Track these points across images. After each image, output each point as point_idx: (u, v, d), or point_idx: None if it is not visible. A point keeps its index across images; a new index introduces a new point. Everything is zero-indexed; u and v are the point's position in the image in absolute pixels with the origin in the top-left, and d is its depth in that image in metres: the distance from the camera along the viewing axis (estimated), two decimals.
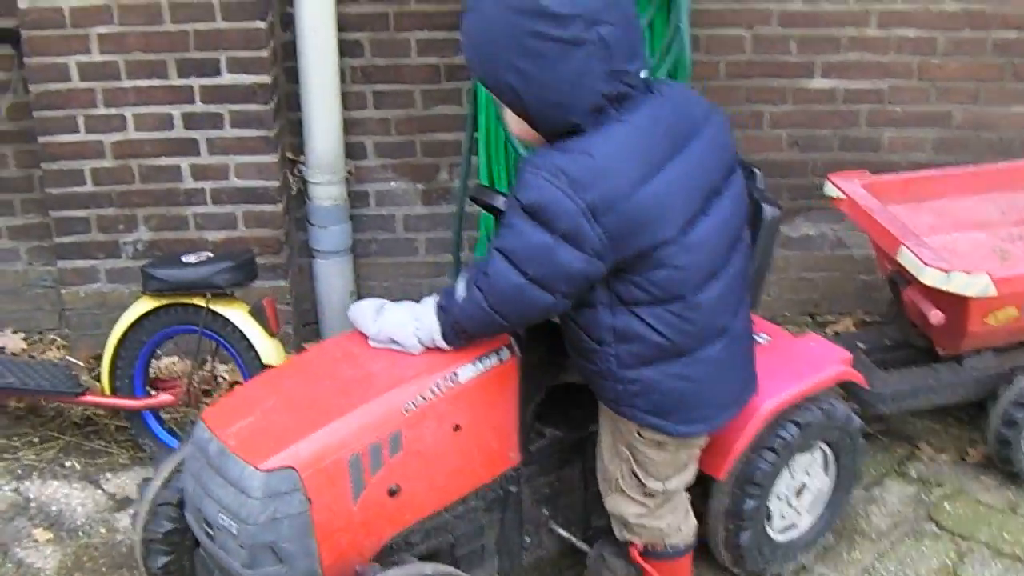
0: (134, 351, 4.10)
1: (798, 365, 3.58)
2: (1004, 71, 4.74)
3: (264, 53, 4.32)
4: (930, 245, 3.97)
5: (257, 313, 4.00)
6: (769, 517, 3.64)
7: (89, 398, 4.17)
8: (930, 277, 3.81)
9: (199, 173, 4.49)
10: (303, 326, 4.90)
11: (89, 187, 4.49)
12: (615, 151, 2.77)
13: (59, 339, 4.94)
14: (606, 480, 3.29)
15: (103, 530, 3.98)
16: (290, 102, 4.58)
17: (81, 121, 4.39)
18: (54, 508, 4.07)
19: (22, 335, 4.97)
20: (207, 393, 4.32)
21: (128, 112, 4.39)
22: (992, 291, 3.81)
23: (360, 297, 4.75)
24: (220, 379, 4.51)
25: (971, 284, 3.80)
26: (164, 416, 4.28)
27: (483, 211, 4.35)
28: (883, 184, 4.33)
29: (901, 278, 4.07)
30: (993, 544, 3.94)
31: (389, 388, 2.99)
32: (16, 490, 4.15)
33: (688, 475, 3.27)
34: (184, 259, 4.01)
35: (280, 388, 3.08)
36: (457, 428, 3.08)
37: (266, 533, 2.85)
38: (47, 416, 4.49)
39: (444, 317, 2.97)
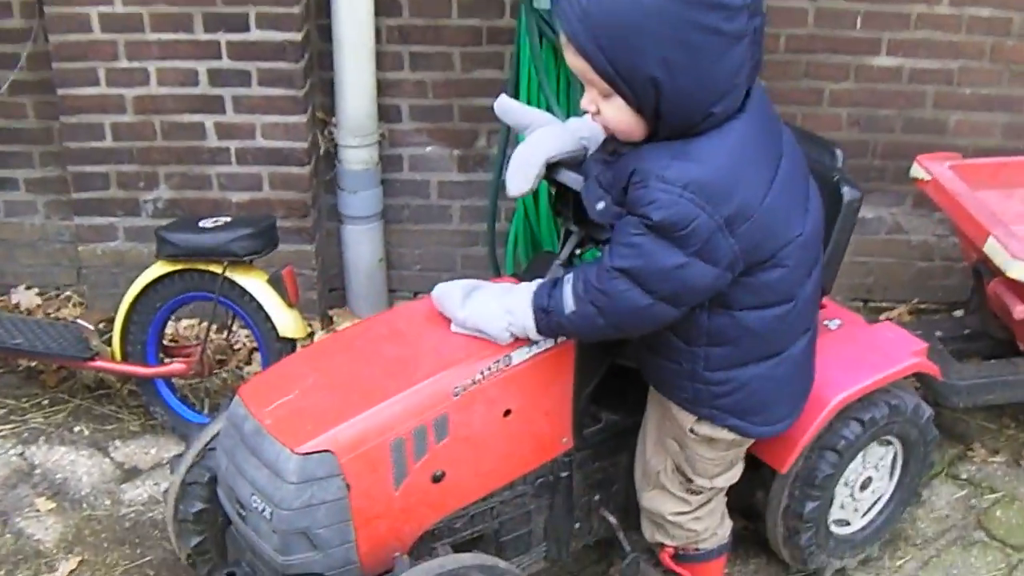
0: (147, 316, 3.90)
1: (870, 355, 3.39)
2: None
3: (295, 9, 4.11)
4: (1020, 236, 3.79)
5: (275, 283, 3.80)
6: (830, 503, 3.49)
7: (99, 363, 3.97)
8: (1018, 271, 3.66)
9: (224, 132, 4.28)
10: (328, 292, 4.72)
11: (109, 142, 4.29)
12: (743, 154, 2.56)
13: (75, 296, 4.76)
14: (646, 474, 3.15)
15: (108, 502, 3.81)
16: (322, 61, 4.36)
17: (102, 74, 4.19)
18: (59, 476, 3.90)
19: (36, 290, 4.79)
20: (222, 363, 4.11)
21: (151, 66, 4.18)
22: None
23: (389, 264, 4.58)
24: (234, 348, 4.31)
25: None
26: (176, 384, 4.09)
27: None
28: (973, 168, 4.15)
29: (986, 268, 3.90)
30: None
31: (438, 370, 2.81)
32: (21, 455, 3.98)
33: (735, 473, 3.14)
34: (202, 224, 3.80)
35: (321, 366, 2.89)
36: (508, 413, 2.91)
37: (301, 519, 2.69)
38: (58, 378, 4.31)
39: (545, 319, 2.74)
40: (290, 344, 3.81)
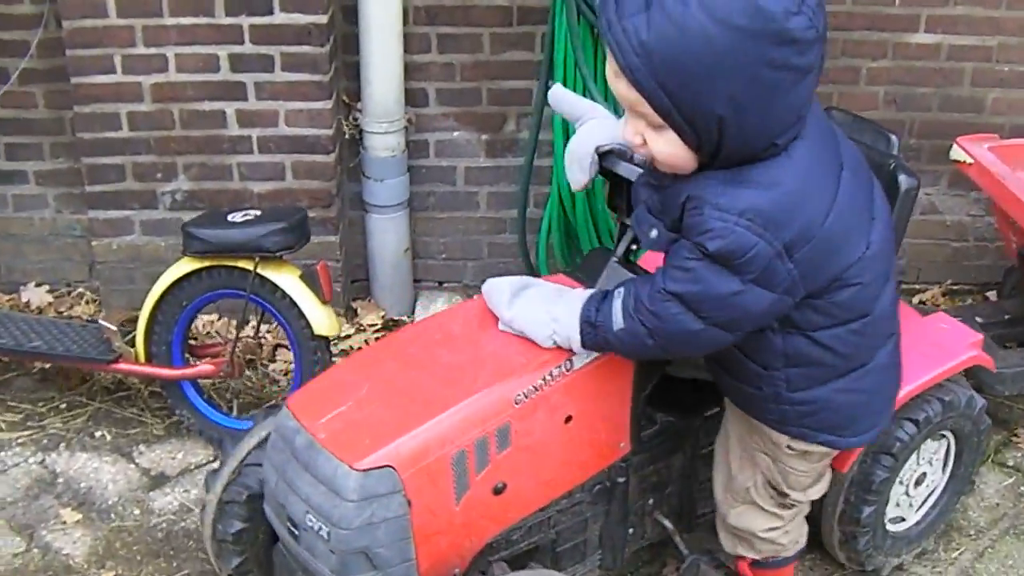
0: (173, 316, 3.75)
1: (926, 349, 3.28)
2: None
3: None
4: None
5: (309, 279, 3.65)
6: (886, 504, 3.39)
7: (123, 366, 3.80)
8: None
9: (246, 119, 4.12)
10: (352, 283, 4.58)
11: (125, 132, 4.11)
12: (803, 176, 2.41)
13: (88, 293, 4.60)
14: (731, 491, 3.03)
15: (137, 511, 3.65)
16: (347, 44, 4.20)
17: (118, 61, 4.01)
18: (83, 485, 3.74)
19: (47, 288, 4.62)
20: (250, 363, 3.95)
21: (170, 52, 4.01)
22: None
23: (414, 253, 4.44)
24: (262, 347, 4.15)
25: None
26: (202, 384, 3.94)
27: (558, 166, 4.10)
28: (1013, 149, 4.02)
29: None
30: None
31: (498, 378, 2.68)
32: (42, 463, 3.82)
33: (825, 483, 3.05)
34: (231, 218, 3.65)
35: (374, 374, 2.75)
36: (569, 419, 2.79)
37: (360, 538, 2.56)
38: (75, 379, 4.14)
39: (591, 332, 2.62)
40: (324, 342, 3.68)
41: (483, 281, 4.41)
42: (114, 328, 3.86)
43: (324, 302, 3.65)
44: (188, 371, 3.78)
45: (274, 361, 4.19)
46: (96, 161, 4.16)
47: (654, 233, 2.57)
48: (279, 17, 3.95)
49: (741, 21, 2.21)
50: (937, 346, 3.32)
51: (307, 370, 3.70)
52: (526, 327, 2.69)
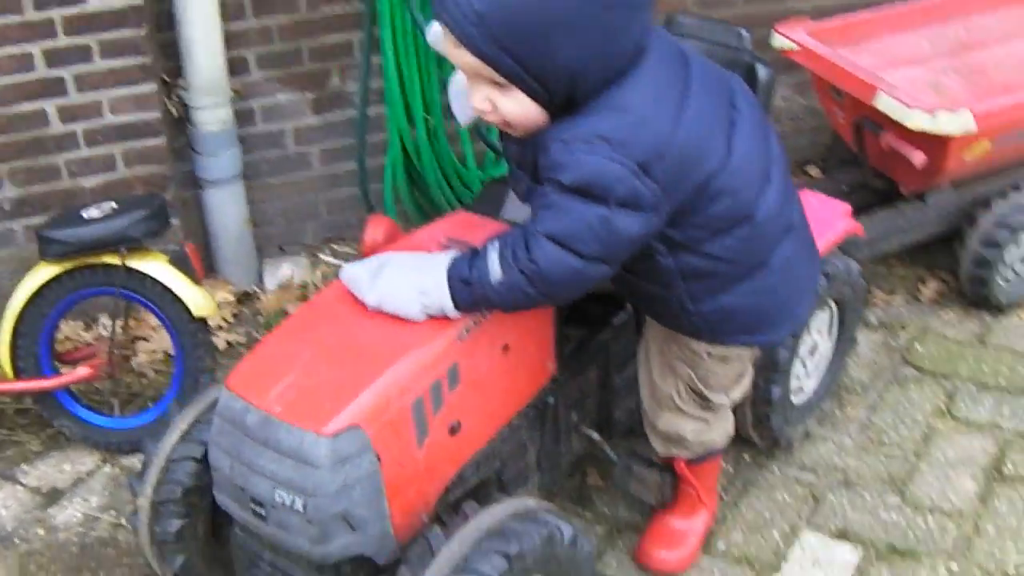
0: (36, 326, 3.58)
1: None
2: None
3: None
4: (898, 86, 3.90)
5: (180, 262, 3.54)
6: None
7: None
8: (915, 120, 3.76)
9: (68, 114, 3.94)
10: None
11: None
12: (647, 96, 2.45)
13: None
14: (656, 399, 3.09)
15: (41, 531, 3.49)
16: (159, 22, 4.04)
17: None
18: None
19: None
20: (126, 359, 3.81)
21: None
22: (973, 126, 3.78)
23: (256, 224, 4.34)
24: (134, 340, 4.01)
25: (955, 122, 3.76)
26: (76, 391, 3.78)
27: (396, 113, 4.08)
28: (825, 30, 4.24)
29: (872, 123, 3.95)
30: (976, 379, 3.97)
31: (439, 320, 2.66)
32: None
33: (747, 382, 3.14)
34: (85, 214, 3.49)
35: (311, 339, 2.68)
36: (506, 348, 2.81)
37: (338, 503, 2.52)
38: None
39: (466, 292, 2.57)
40: (203, 323, 3.59)
41: (325, 240, 4.47)
42: None
43: (197, 283, 3.55)
44: (66, 378, 3.62)
45: (136, 355, 4.04)
46: None
47: (523, 187, 2.63)
48: (92, 4, 3.79)
49: None
50: (815, 221, 3.42)
51: (190, 355, 3.60)
52: (394, 306, 2.62)
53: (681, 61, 2.59)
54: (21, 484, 3.65)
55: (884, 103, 3.81)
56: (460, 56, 2.39)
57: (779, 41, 4.12)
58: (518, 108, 2.44)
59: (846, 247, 3.85)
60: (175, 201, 4.20)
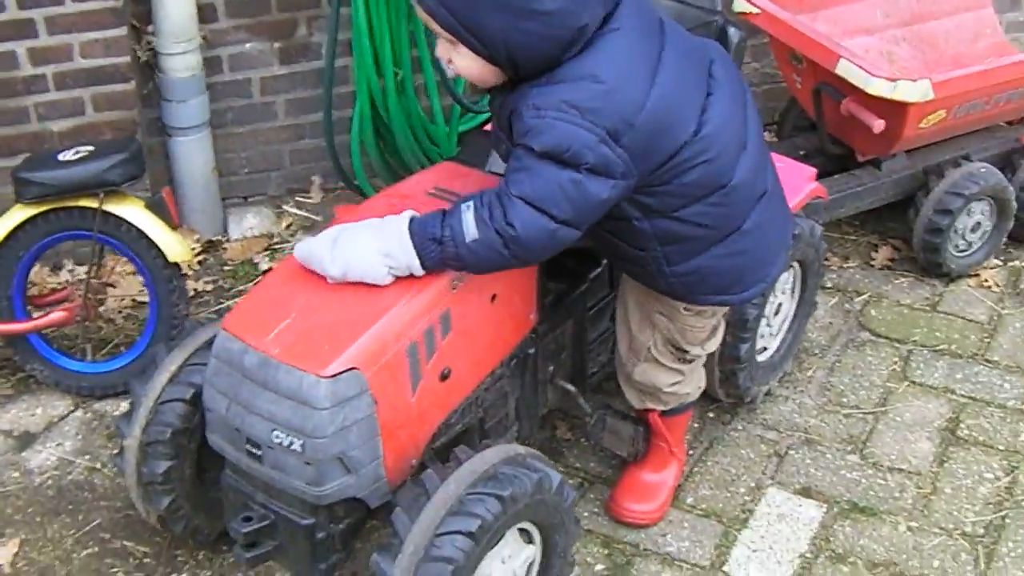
0: (9, 268, 3.56)
1: None
2: None
3: None
4: (858, 53, 3.98)
5: (157, 206, 3.53)
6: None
7: None
8: (876, 87, 3.83)
9: (38, 57, 3.90)
10: None
11: None
12: (618, 65, 2.51)
13: None
14: (633, 351, 3.15)
15: (16, 474, 3.48)
16: None
17: None
18: None
19: None
20: (99, 304, 3.78)
21: None
22: (931, 95, 3.87)
23: (220, 173, 4.33)
24: (108, 284, 3.97)
25: (914, 90, 3.85)
26: (48, 335, 3.76)
27: (364, 63, 4.08)
28: None
29: (832, 89, 4.01)
30: (929, 344, 4.08)
31: None
32: None
33: (720, 335, 3.21)
34: (62, 157, 3.47)
35: (308, 283, 2.70)
36: (494, 298, 2.87)
37: (335, 444, 2.57)
38: None
39: (436, 250, 2.59)
40: (177, 269, 3.59)
41: (288, 191, 4.46)
42: None
43: (174, 228, 3.55)
44: (40, 322, 3.60)
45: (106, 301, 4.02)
46: None
47: (503, 148, 2.71)
48: None
49: None
50: (784, 182, 3.50)
51: (164, 300, 3.60)
52: (359, 272, 2.63)
53: (657, 29, 2.64)
54: None
55: (846, 69, 3.88)
56: (417, 7, 2.50)
57: (740, 5, 4.17)
58: (466, 63, 2.54)
59: (807, 210, 3.97)
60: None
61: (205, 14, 4.15)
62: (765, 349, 3.70)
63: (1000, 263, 4.45)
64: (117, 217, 3.49)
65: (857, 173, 4.28)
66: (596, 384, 3.48)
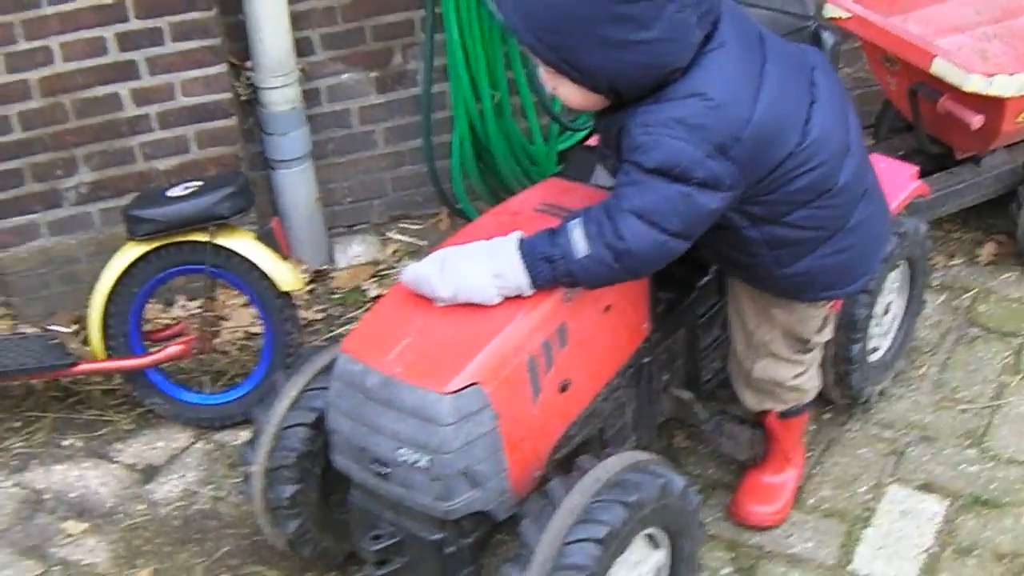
0: (126, 304, 3.63)
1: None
2: None
3: None
4: (952, 52, 3.97)
5: (266, 238, 3.60)
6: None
7: (84, 367, 3.66)
8: (973, 84, 3.81)
9: (141, 97, 3.97)
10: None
11: (18, 134, 3.90)
12: (724, 82, 2.54)
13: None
14: (753, 347, 3.15)
15: (142, 506, 3.54)
16: (224, 4, 4.06)
17: (1, 61, 3.80)
18: (73, 495, 3.59)
19: None
20: (214, 336, 3.83)
21: (54, 42, 3.81)
22: None
23: (324, 202, 4.40)
24: (222, 317, 4.04)
25: (1011, 85, 3.83)
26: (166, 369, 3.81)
27: (462, 88, 4.13)
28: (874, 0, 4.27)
29: (928, 88, 3.99)
30: None
31: None
32: (19, 484, 3.63)
33: (833, 323, 3.20)
34: (170, 193, 3.54)
35: (419, 306, 2.74)
36: (608, 308, 2.89)
37: (461, 459, 2.60)
38: (15, 396, 3.92)
39: (547, 269, 2.62)
40: (288, 298, 3.63)
41: (391, 218, 4.51)
42: (67, 331, 3.70)
43: (284, 258, 3.61)
44: (159, 356, 3.66)
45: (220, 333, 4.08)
46: None
47: (610, 164, 2.76)
48: None
49: None
50: (885, 184, 3.49)
51: (278, 330, 3.65)
52: (469, 294, 2.66)
53: (757, 42, 2.67)
54: (117, 462, 3.69)
55: (942, 68, 3.86)
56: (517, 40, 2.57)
57: (832, 10, 4.16)
58: (568, 92, 2.60)
59: (911, 208, 3.95)
60: None
61: (302, 47, 4.21)
62: (876, 349, 3.68)
63: None
64: (228, 250, 3.55)
65: (957, 171, 4.25)
66: (710, 391, 3.48)
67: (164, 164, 4.09)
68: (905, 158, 4.22)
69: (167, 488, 3.59)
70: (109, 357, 3.66)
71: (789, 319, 3.06)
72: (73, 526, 3.47)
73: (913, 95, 4.13)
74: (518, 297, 2.67)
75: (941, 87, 3.94)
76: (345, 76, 4.34)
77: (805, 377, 3.20)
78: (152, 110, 4.00)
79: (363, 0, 4.25)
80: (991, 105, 3.87)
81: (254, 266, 3.57)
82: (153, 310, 4.13)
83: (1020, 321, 4.07)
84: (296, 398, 2.99)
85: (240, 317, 4.10)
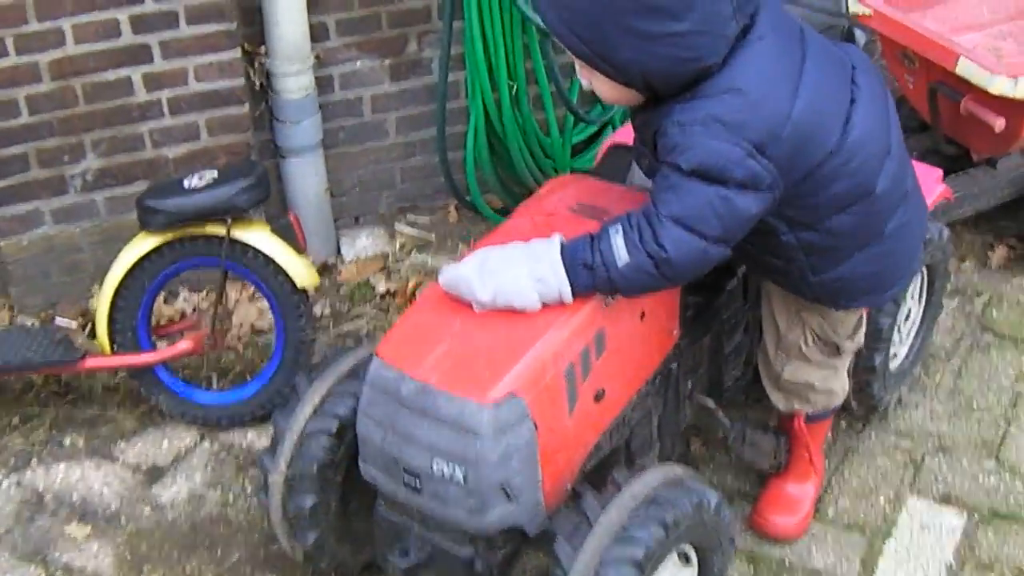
0: (135, 298, 3.52)
1: None
2: None
3: None
4: (975, 51, 3.91)
5: (284, 231, 3.49)
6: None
7: (92, 362, 3.55)
8: (999, 85, 3.76)
9: (153, 82, 3.87)
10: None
11: (25, 118, 3.79)
12: (761, 77, 2.48)
13: None
14: (784, 350, 3.12)
15: (147, 510, 3.45)
16: None
17: (10, 43, 3.68)
18: (75, 496, 3.49)
19: None
20: (225, 332, 3.73)
21: (66, 23, 3.70)
22: None
23: (332, 193, 4.30)
24: (231, 313, 3.92)
25: None
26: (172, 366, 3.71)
27: (480, 76, 4.05)
28: None
29: (948, 88, 3.93)
30: None
31: None
32: (19, 483, 3.52)
33: (864, 327, 3.16)
34: (187, 184, 3.42)
35: (458, 308, 2.66)
36: (643, 315, 2.82)
37: (499, 472, 2.53)
38: (13, 391, 3.81)
39: (587, 276, 2.56)
40: (305, 295, 3.55)
41: (399, 210, 4.43)
42: (73, 325, 3.60)
43: (301, 253, 3.51)
44: (168, 352, 3.57)
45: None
46: None
47: (645, 163, 2.70)
48: None
49: None
50: None
51: (291, 327, 3.56)
52: (509, 298, 2.58)
53: (797, 37, 2.61)
54: (120, 461, 3.60)
55: (967, 68, 3.81)
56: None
57: (855, 7, 4.11)
58: (603, 87, 2.55)
59: (934, 213, 3.91)
60: None
61: (316, 33, 4.10)
62: (895, 356, 3.64)
63: None
64: (243, 243, 3.46)
65: (973, 173, 4.21)
66: (734, 396, 3.43)
67: (173, 151, 3.99)
68: (919, 159, 4.20)
69: (173, 490, 3.50)
70: (116, 352, 3.56)
71: (821, 323, 3.03)
72: (76, 529, 3.37)
73: (932, 94, 4.09)
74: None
75: (962, 87, 3.89)
76: (359, 63, 4.25)
77: (835, 380, 3.17)
78: (164, 95, 3.90)
79: None
80: (1014, 107, 3.82)
81: (270, 261, 3.47)
82: (156, 302, 4.02)
83: None
84: (318, 404, 2.91)
85: (248, 312, 4.02)
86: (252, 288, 3.98)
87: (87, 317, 3.95)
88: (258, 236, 3.47)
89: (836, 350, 3.09)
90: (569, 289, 2.57)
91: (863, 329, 3.14)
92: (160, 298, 4.01)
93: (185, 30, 3.82)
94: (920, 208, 2.96)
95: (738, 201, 2.48)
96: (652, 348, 2.93)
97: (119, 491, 3.50)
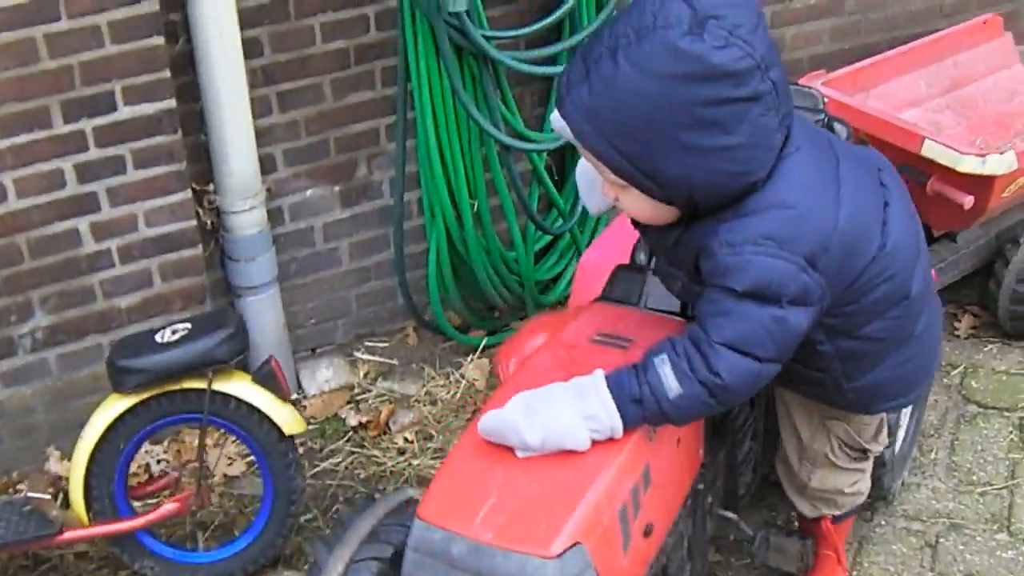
0: (111, 462, 3.31)
1: None
2: None
3: (166, 73, 3.57)
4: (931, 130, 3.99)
5: (266, 379, 3.32)
6: None
7: (70, 535, 3.30)
8: (968, 164, 3.79)
9: (102, 231, 3.68)
10: None
11: None
12: (805, 189, 2.43)
13: None
14: (809, 459, 3.07)
15: None
16: (186, 125, 3.77)
17: None
18: None
19: None
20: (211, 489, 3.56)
21: (7, 178, 3.50)
22: (1016, 165, 3.83)
23: (289, 328, 4.13)
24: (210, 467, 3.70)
25: (1002, 163, 3.81)
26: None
27: (440, 196, 3.95)
28: (839, 80, 4.29)
29: (914, 170, 3.92)
30: None
31: None
32: None
33: (886, 426, 3.12)
34: (159, 338, 3.24)
35: (500, 455, 2.52)
36: (679, 442, 2.73)
37: None
38: None
39: (636, 409, 2.46)
40: (292, 442, 3.38)
41: (356, 337, 4.28)
42: (46, 496, 3.36)
43: (285, 399, 3.35)
44: (152, 517, 3.35)
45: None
46: None
47: (679, 285, 2.63)
48: (124, 112, 3.55)
49: (667, 69, 2.23)
50: None
51: (280, 475, 3.38)
52: (560, 440, 2.46)
53: (826, 144, 2.58)
54: None
55: (932, 150, 3.84)
56: (584, 151, 2.41)
57: None
58: (636, 204, 2.45)
59: None
60: None
61: (264, 164, 3.95)
62: (896, 440, 3.60)
63: None
64: (224, 395, 3.28)
65: (935, 248, 4.21)
66: (746, 501, 3.36)
67: (126, 301, 3.80)
68: None
69: None
70: (95, 521, 3.34)
71: (847, 429, 2.98)
72: None
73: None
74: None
75: (926, 168, 3.90)
76: (309, 192, 4.10)
77: (863, 482, 3.14)
78: (113, 244, 3.72)
79: (328, 111, 4.02)
80: (980, 183, 3.84)
81: (255, 410, 3.30)
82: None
83: (1013, 394, 4.07)
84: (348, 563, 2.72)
85: (222, 463, 3.82)
86: (220, 435, 3.78)
87: (49, 481, 3.71)
88: (241, 386, 3.30)
89: (864, 453, 3.05)
90: (621, 425, 2.46)
91: (886, 428, 3.09)
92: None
93: (133, 175, 3.65)
94: (937, 305, 2.93)
95: (791, 319, 2.41)
96: (686, 473, 2.85)
97: None
